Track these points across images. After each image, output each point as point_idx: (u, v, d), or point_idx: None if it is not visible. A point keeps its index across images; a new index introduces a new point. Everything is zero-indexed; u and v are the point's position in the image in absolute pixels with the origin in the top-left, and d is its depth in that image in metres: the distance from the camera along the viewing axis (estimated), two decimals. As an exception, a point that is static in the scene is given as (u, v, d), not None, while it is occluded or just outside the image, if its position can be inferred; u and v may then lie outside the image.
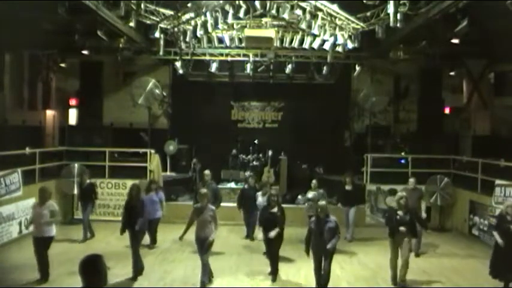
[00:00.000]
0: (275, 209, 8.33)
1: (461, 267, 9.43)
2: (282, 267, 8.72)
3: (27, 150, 11.69)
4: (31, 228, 8.08)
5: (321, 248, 7.38)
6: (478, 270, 9.11)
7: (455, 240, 11.78)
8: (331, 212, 7.72)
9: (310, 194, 10.53)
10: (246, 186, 11.57)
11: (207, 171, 10.66)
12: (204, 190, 8.19)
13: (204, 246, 7.65)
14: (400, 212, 7.99)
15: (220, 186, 13.95)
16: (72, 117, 16.18)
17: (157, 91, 14.36)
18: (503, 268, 7.68)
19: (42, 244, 7.83)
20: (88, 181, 11.18)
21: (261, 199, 10.18)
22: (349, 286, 8.21)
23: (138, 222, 8.13)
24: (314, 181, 10.91)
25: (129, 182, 10.96)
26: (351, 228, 11.24)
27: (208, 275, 7.87)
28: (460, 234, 12.41)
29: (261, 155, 15.37)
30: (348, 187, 11.28)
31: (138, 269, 8.18)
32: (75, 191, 12.40)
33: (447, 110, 16.25)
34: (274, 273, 8.38)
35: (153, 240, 10.38)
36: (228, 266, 9.16)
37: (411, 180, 10.50)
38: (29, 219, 8.12)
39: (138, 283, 7.96)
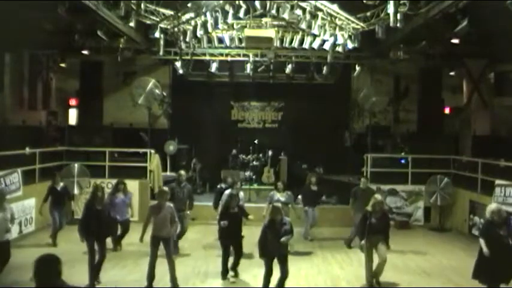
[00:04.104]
0: (235, 209, 8.26)
1: (461, 267, 9.39)
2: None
3: (27, 150, 11.68)
4: None
5: (276, 250, 7.15)
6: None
7: (455, 240, 11.78)
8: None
9: (283, 198, 10.01)
10: (223, 185, 10.75)
11: (182, 172, 10.25)
12: (164, 188, 7.96)
13: (167, 245, 7.58)
14: (373, 217, 7.81)
15: (220, 186, 13.94)
16: (72, 117, 16.20)
17: (157, 91, 14.35)
18: (487, 272, 7.24)
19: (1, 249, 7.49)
20: (61, 184, 10.57)
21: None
22: (349, 286, 8.20)
23: (111, 229, 7.94)
24: (279, 183, 10.49)
25: (130, 182, 10.90)
26: (308, 228, 11.21)
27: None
28: (460, 234, 12.40)
29: (261, 155, 15.37)
30: (313, 187, 11.21)
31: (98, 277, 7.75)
32: (75, 191, 12.44)
33: (447, 110, 16.26)
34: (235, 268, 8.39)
35: (119, 243, 9.96)
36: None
37: (363, 179, 10.76)
38: None
39: (139, 283, 7.94)
